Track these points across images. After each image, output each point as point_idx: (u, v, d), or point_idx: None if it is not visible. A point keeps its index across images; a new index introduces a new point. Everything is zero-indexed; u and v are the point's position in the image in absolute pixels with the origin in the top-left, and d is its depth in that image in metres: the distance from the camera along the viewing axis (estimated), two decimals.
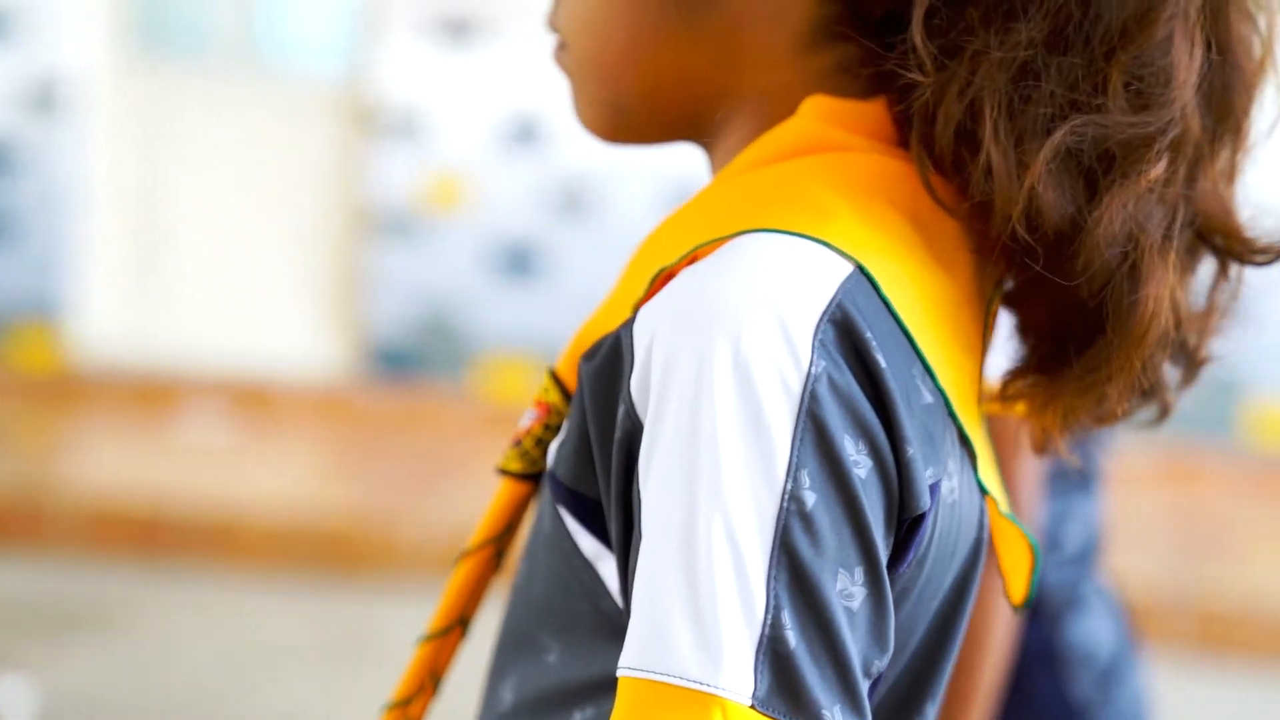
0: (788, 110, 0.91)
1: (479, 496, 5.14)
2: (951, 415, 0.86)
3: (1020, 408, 0.92)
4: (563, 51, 0.96)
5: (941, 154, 0.87)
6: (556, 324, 5.80)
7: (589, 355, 0.86)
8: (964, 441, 0.88)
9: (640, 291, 0.87)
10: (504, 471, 0.96)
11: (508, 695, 0.93)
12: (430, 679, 0.99)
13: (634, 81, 0.93)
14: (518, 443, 0.95)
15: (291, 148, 6.02)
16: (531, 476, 0.95)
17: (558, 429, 0.92)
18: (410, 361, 5.97)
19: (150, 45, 6.09)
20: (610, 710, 0.84)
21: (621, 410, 0.82)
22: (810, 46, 0.91)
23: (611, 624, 0.87)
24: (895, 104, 0.90)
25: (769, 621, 0.76)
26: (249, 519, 4.89)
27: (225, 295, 6.09)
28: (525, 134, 5.84)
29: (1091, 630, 1.71)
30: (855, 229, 0.85)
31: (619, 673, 0.78)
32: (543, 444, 0.93)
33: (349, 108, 5.98)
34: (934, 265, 0.88)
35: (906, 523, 0.82)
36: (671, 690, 0.76)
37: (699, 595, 0.76)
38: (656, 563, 0.77)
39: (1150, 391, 0.95)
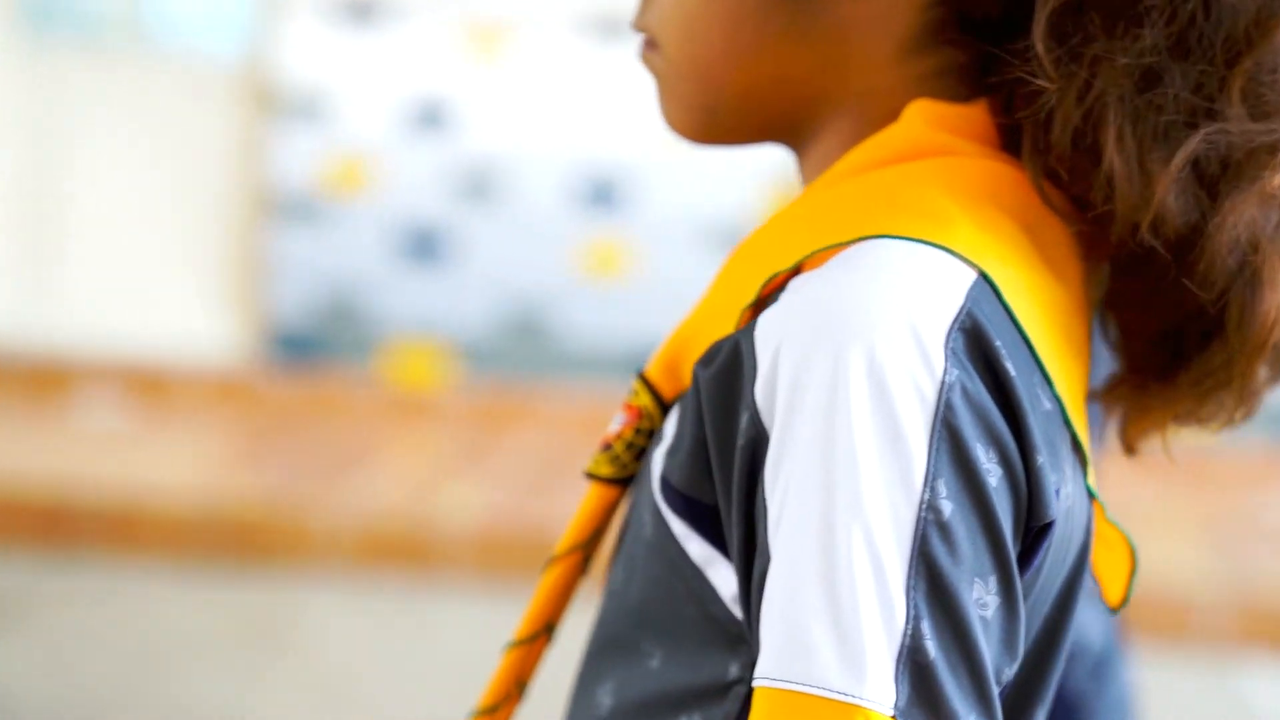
0: (889, 114, 0.92)
1: (388, 484, 5.14)
2: (1066, 422, 0.86)
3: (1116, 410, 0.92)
4: (652, 51, 0.96)
5: (1057, 160, 0.87)
6: (463, 309, 5.76)
7: (705, 360, 0.86)
8: (1076, 447, 0.88)
9: (749, 295, 0.87)
10: (594, 476, 0.96)
11: (605, 700, 0.93)
12: (516, 686, 0.99)
13: (731, 84, 0.92)
14: (607, 447, 0.95)
15: (189, 130, 5.93)
16: (620, 481, 0.95)
17: (649, 434, 0.93)
18: (314, 347, 5.91)
19: (39, 27, 5.97)
20: (721, 715, 0.86)
21: (745, 417, 0.82)
22: (914, 51, 0.91)
23: (722, 630, 0.87)
24: (996, 108, 0.91)
25: (909, 631, 0.76)
26: (152, 507, 4.81)
27: (121, 281, 5.99)
28: (430, 118, 5.80)
29: (1083, 622, 1.72)
30: (974, 235, 0.85)
31: (756, 683, 0.78)
32: (634, 449, 0.94)
33: (249, 89, 5.89)
34: (1046, 271, 0.88)
35: (1034, 530, 0.82)
36: (814, 701, 0.76)
37: (840, 605, 0.76)
38: (794, 572, 0.77)
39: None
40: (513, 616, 1.02)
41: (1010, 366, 0.81)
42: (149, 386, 5.84)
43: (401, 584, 4.58)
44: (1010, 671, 0.81)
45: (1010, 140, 0.91)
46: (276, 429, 5.68)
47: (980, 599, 0.78)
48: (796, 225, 0.89)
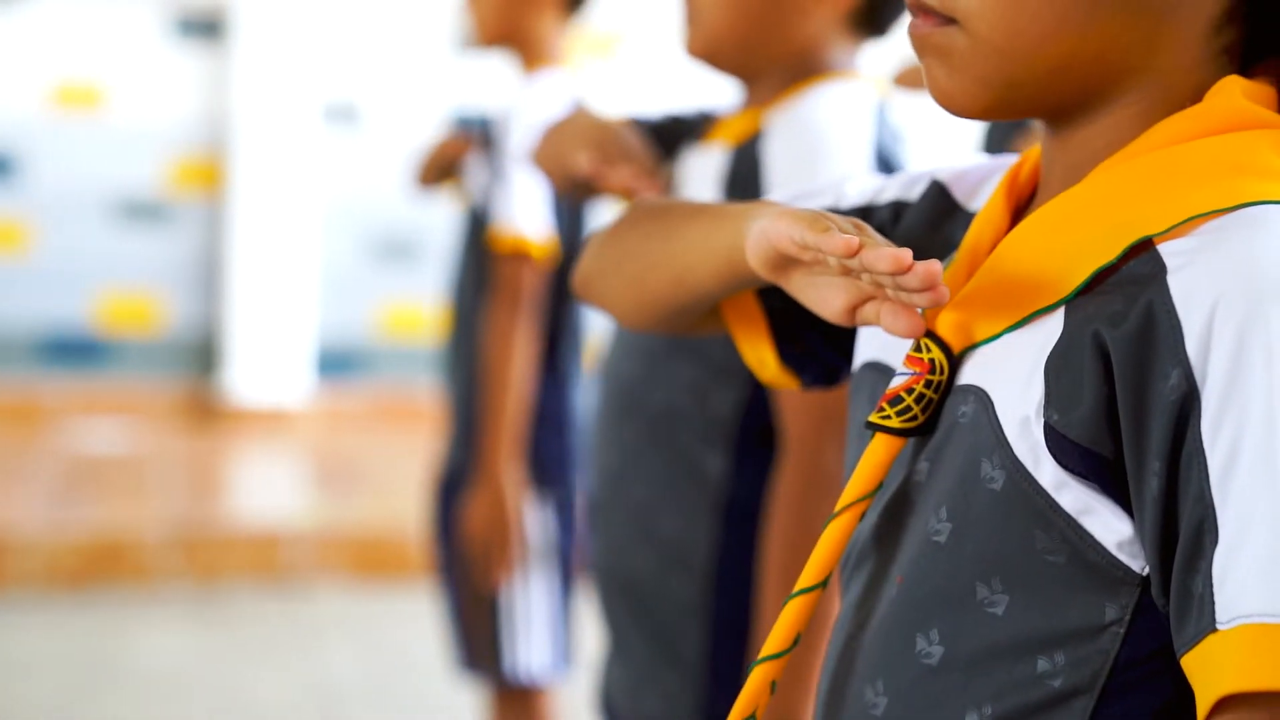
0: (1191, 89, 0.97)
1: None
2: None
3: None
4: (948, 30, 0.98)
5: None
6: None
7: (1113, 321, 0.91)
8: None
9: (1107, 256, 0.93)
10: (883, 428, 1.00)
11: (933, 649, 0.97)
12: (797, 634, 1.03)
13: (1047, 59, 0.97)
14: (897, 400, 1.00)
15: None
16: (908, 432, 1.00)
17: (938, 387, 0.99)
18: None
19: None
20: (1089, 655, 0.92)
21: (1176, 374, 0.88)
22: (1216, 30, 0.97)
23: (1099, 574, 0.93)
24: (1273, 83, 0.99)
25: None
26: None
27: None
28: None
29: None
30: None
31: (1239, 621, 0.84)
32: (923, 400, 0.99)
33: None
34: None
35: None
36: None
37: None
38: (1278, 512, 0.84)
39: None
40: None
41: None
42: None
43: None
44: None
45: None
46: None
47: None
48: (1151, 190, 0.94)
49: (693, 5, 1.75)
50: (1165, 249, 0.92)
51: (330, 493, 5.65)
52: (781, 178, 1.65)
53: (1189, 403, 0.88)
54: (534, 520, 2.79)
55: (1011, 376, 0.96)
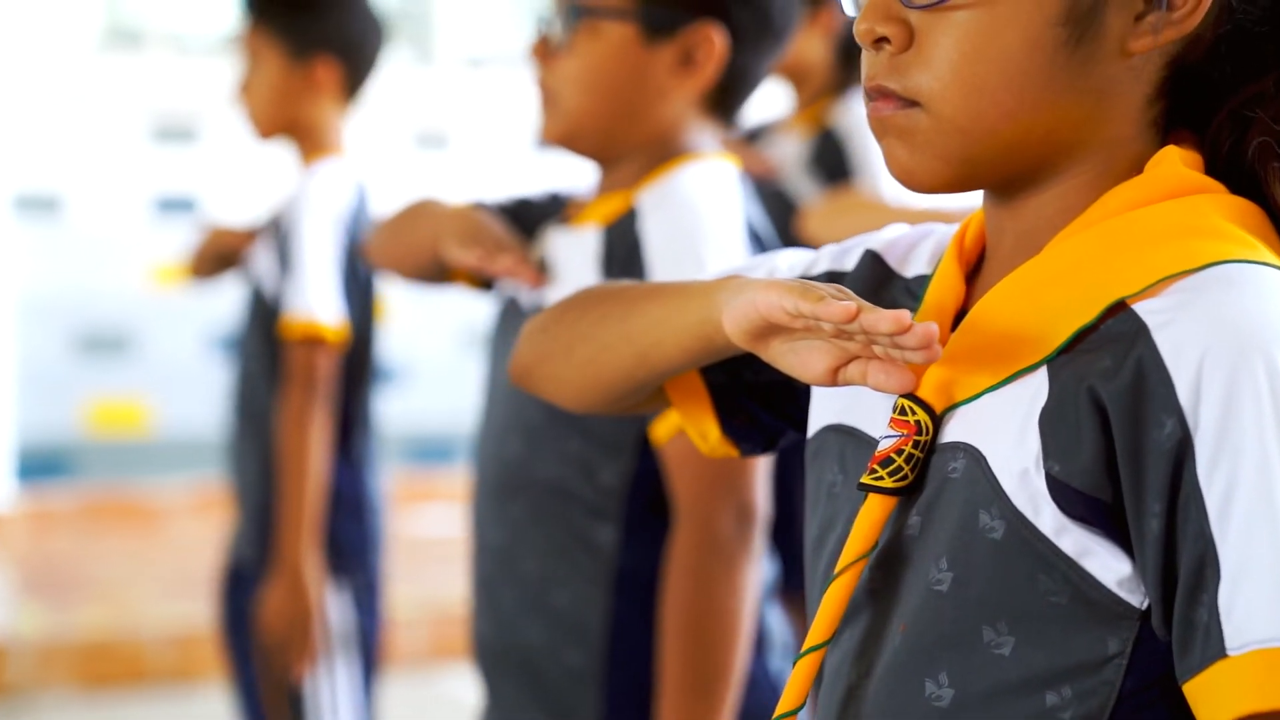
0: (1131, 157, 1.07)
1: None
2: None
3: None
4: (911, 112, 1.05)
5: None
6: None
7: (1107, 376, 0.99)
8: None
9: (1085, 318, 1.01)
10: (876, 489, 1.06)
11: (944, 692, 1.03)
12: (808, 691, 1.09)
13: (1003, 137, 1.05)
14: (888, 461, 1.06)
15: None
16: (899, 491, 1.06)
17: (924, 446, 1.05)
18: None
19: None
20: (1094, 687, 0.99)
21: (1171, 422, 0.96)
22: (1151, 103, 1.07)
23: (1100, 611, 1.00)
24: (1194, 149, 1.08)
25: None
26: None
27: None
28: None
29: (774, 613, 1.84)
30: (1273, 258, 1.02)
31: (1249, 648, 0.93)
32: (912, 460, 1.05)
33: None
34: None
35: None
36: None
37: None
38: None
39: None
40: None
41: None
42: None
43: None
44: None
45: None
46: None
47: None
48: (1101, 257, 1.03)
49: (549, 91, 1.79)
50: (1141, 308, 1.00)
51: (47, 600, 5.45)
52: (662, 255, 1.71)
53: (1184, 448, 0.96)
54: (334, 607, 2.77)
55: (1002, 432, 1.03)
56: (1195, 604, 0.96)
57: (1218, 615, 0.94)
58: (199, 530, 5.85)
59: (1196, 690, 0.96)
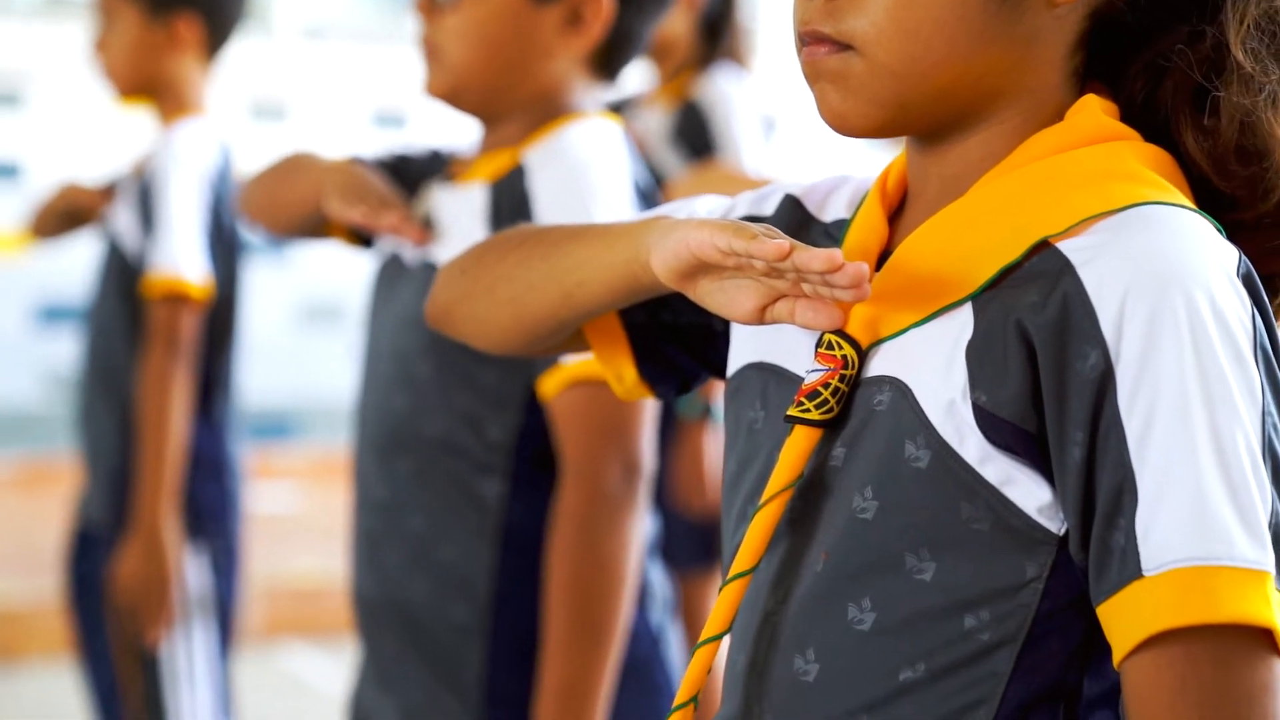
0: (1053, 106, 1.11)
1: None
2: None
3: None
4: (845, 55, 1.08)
5: (1223, 149, 1.10)
6: None
7: (1033, 310, 1.02)
8: None
9: (1010, 256, 1.05)
10: (802, 420, 1.09)
11: (865, 616, 1.07)
12: (732, 618, 1.12)
13: (935, 82, 1.08)
14: (814, 394, 1.09)
15: None
16: (826, 423, 1.09)
17: (849, 380, 1.09)
18: None
19: None
20: (1011, 610, 1.04)
21: (1095, 354, 1.01)
22: (1072, 53, 1.11)
23: (1019, 538, 1.04)
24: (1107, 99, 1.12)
25: (1273, 510, 0.99)
26: None
27: None
28: None
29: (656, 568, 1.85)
30: (1186, 203, 1.07)
31: (1167, 567, 0.97)
32: (838, 394, 1.09)
33: None
34: None
35: None
36: (1233, 572, 0.97)
37: (1238, 496, 0.98)
38: (1195, 472, 0.98)
39: None
40: None
41: (1265, 299, 1.04)
42: None
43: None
44: None
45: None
46: None
47: None
48: (1025, 199, 1.07)
49: (433, 46, 1.79)
50: (1065, 246, 1.03)
51: None
52: (551, 212, 1.72)
53: (1107, 379, 1.00)
54: (192, 571, 2.74)
55: (928, 365, 1.06)
56: (1113, 528, 1.00)
57: (1135, 539, 0.98)
58: (19, 506, 5.75)
59: (1111, 611, 1.00)
